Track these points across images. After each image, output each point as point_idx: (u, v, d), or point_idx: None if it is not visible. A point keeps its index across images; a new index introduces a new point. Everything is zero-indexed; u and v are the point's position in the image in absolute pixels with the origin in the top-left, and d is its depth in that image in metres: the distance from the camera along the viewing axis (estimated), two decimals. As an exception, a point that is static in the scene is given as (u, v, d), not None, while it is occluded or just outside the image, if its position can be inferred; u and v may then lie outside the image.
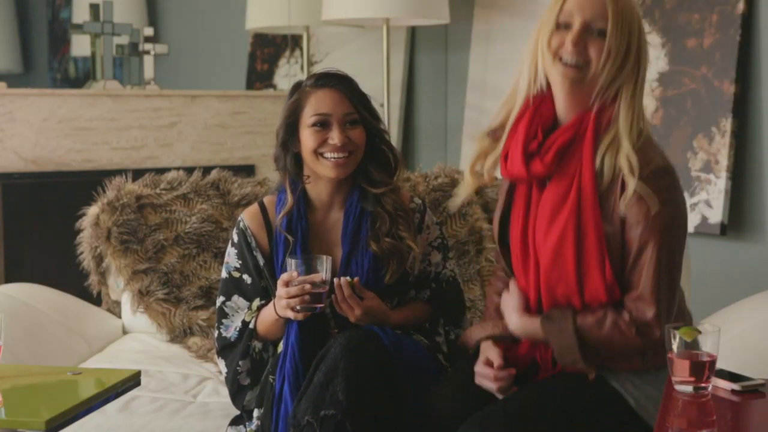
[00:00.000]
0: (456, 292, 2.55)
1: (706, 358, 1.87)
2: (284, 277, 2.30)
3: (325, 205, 2.48)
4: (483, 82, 4.25)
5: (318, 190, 2.46)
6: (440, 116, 4.49)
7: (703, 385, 1.87)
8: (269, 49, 5.14)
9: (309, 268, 2.29)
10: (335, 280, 2.34)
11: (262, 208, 2.49)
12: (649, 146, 2.09)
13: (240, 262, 2.46)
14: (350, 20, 4.21)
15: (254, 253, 2.46)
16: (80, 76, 6.14)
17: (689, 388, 1.87)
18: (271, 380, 2.38)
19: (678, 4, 3.61)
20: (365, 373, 2.20)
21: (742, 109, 3.44)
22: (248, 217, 2.49)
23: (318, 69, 2.54)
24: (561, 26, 2.08)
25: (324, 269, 2.28)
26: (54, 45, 6.33)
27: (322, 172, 2.41)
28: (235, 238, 2.48)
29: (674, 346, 1.88)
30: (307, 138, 2.40)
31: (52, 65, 6.36)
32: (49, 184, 3.78)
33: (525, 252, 2.17)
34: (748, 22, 3.43)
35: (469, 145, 4.27)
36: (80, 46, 5.85)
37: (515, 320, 2.18)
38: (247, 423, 2.44)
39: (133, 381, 2.15)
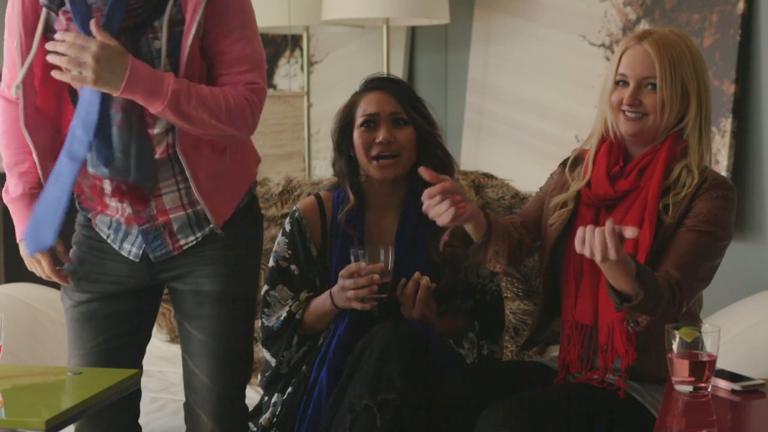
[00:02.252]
0: (498, 308, 2.56)
1: (706, 358, 1.87)
2: (351, 267, 2.32)
3: (381, 207, 2.50)
4: (483, 82, 4.25)
5: (374, 192, 2.48)
6: (440, 116, 4.48)
7: (703, 385, 1.87)
8: (269, 49, 5.14)
9: (373, 258, 2.31)
10: (417, 274, 2.37)
11: (319, 201, 2.51)
12: (717, 173, 2.27)
13: (290, 252, 2.47)
14: (350, 20, 4.20)
15: (308, 244, 2.47)
16: (80, 76, 6.14)
17: (689, 388, 1.88)
18: (304, 370, 2.39)
19: (678, 4, 3.61)
20: (414, 359, 2.23)
21: (742, 109, 3.44)
22: (304, 207, 2.50)
23: (370, 75, 2.55)
24: (619, 83, 2.27)
25: (387, 259, 2.31)
26: (54, 45, 6.34)
27: (372, 173, 2.45)
28: (288, 227, 2.49)
29: (674, 346, 1.88)
30: (357, 139, 2.45)
31: (52, 65, 6.36)
32: (49, 184, 3.78)
33: (591, 262, 2.21)
34: (748, 22, 3.43)
35: (469, 145, 4.27)
36: (80, 46, 5.85)
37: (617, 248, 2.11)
38: (263, 415, 2.43)
39: (133, 381, 2.15)
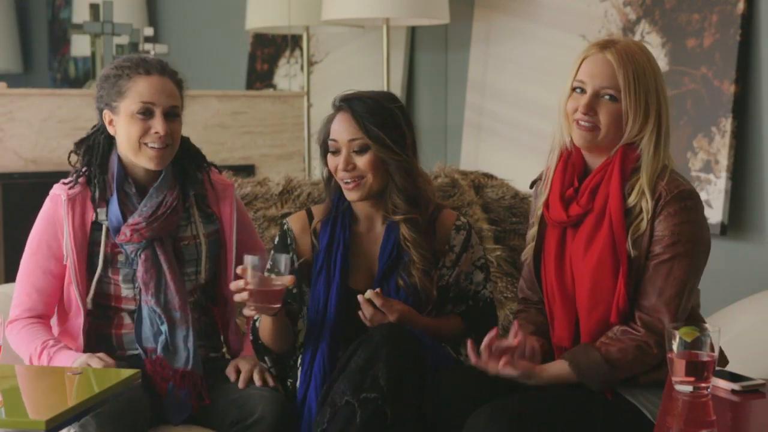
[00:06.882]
0: (490, 313, 2.54)
1: (706, 358, 1.87)
2: (237, 271, 2.28)
3: (368, 218, 2.47)
4: (483, 82, 4.25)
5: (360, 204, 2.45)
6: (440, 116, 4.50)
7: (703, 385, 1.87)
8: (269, 49, 5.14)
9: (262, 265, 2.25)
10: (359, 297, 2.33)
11: (309, 214, 2.50)
12: (677, 175, 2.22)
13: (271, 263, 2.46)
14: (350, 20, 4.21)
15: (290, 253, 2.45)
16: (80, 76, 6.14)
17: (689, 388, 1.88)
18: (289, 384, 2.39)
19: (678, 4, 3.61)
20: (405, 362, 2.23)
21: (742, 109, 3.44)
22: (293, 220, 2.51)
23: (346, 91, 2.47)
24: (576, 90, 2.22)
25: (281, 268, 2.25)
26: (54, 45, 6.33)
27: (345, 194, 2.44)
28: (276, 240, 2.50)
29: (674, 346, 1.88)
30: (328, 161, 2.43)
31: (52, 65, 6.36)
32: (49, 184, 3.77)
33: (561, 285, 2.25)
34: (748, 22, 3.43)
35: (469, 145, 4.27)
36: (80, 46, 5.85)
37: (542, 374, 2.21)
38: None
39: (133, 381, 2.15)
